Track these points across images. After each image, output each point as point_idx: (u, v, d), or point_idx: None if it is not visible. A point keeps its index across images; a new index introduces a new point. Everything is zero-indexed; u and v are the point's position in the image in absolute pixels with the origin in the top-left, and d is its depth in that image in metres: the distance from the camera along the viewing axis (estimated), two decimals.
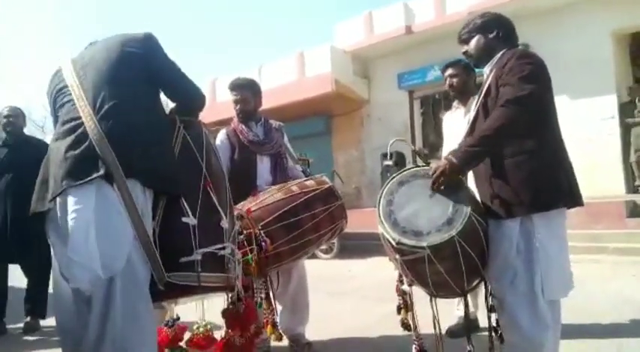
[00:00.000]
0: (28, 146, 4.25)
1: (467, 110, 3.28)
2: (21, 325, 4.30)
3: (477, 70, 2.88)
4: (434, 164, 2.18)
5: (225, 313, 2.09)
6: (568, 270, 2.16)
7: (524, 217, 2.08)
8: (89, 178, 1.67)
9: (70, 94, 1.85)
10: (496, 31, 2.29)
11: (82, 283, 1.66)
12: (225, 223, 1.93)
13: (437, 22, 9.89)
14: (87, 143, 1.72)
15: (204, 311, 2.23)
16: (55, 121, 1.98)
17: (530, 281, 2.06)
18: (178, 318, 2.21)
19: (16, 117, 4.40)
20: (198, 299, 2.15)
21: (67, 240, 1.67)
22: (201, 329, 2.11)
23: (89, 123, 1.73)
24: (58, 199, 1.73)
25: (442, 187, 2.10)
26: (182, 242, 1.79)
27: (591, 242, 6.72)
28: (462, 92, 3.40)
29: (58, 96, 1.93)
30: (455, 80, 3.39)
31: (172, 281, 1.75)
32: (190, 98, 2.16)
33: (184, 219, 1.81)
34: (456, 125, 3.31)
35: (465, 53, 2.41)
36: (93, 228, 1.64)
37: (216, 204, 1.93)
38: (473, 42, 2.34)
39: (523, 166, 2.07)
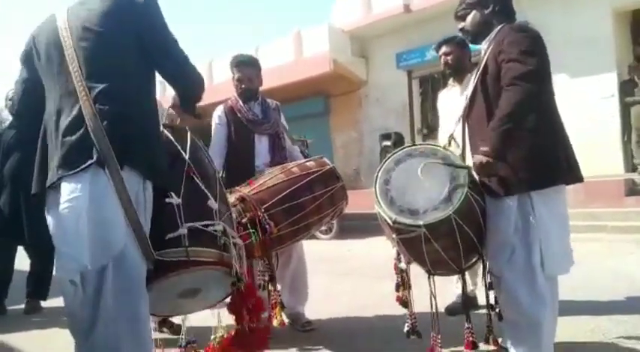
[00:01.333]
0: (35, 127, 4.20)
1: (463, 88, 3.25)
2: (22, 306, 4.33)
3: (473, 46, 2.83)
4: (471, 161, 2.16)
5: (230, 304, 2.07)
6: (568, 247, 2.16)
7: (522, 194, 2.07)
8: (84, 166, 1.64)
9: (66, 62, 1.75)
10: (492, 5, 2.25)
11: (69, 273, 1.64)
12: (213, 204, 1.92)
13: (435, 0, 9.76)
14: (82, 130, 1.67)
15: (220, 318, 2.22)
16: (32, 71, 1.92)
17: (528, 258, 2.06)
18: (194, 341, 2.21)
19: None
20: (207, 304, 2.13)
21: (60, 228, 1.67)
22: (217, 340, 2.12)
23: (86, 104, 1.68)
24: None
25: (440, 165, 2.09)
26: (168, 220, 1.78)
27: (590, 220, 6.76)
28: (458, 69, 3.35)
29: (51, 51, 1.81)
30: (450, 58, 3.33)
31: (162, 258, 1.73)
32: (192, 84, 2.03)
33: (168, 200, 1.80)
34: (452, 103, 3.28)
35: (461, 30, 2.38)
36: (85, 218, 1.61)
37: (202, 186, 1.92)
38: (469, 18, 2.31)
39: (521, 144, 2.05)
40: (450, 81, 3.50)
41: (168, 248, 1.76)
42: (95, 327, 1.62)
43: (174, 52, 1.93)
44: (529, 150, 2.06)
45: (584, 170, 2.20)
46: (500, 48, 2.09)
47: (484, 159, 2.02)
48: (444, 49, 3.37)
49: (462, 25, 2.36)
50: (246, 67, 3.28)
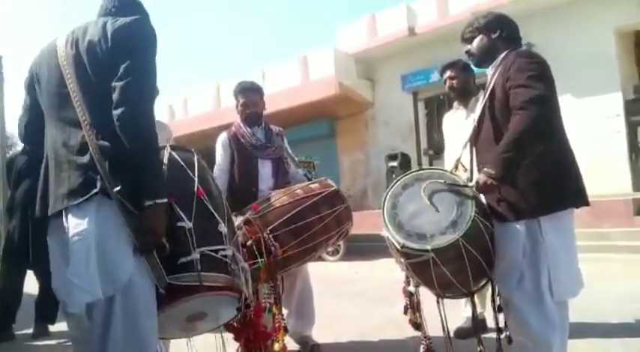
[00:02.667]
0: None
1: (469, 111, 3.28)
2: (30, 331, 4.34)
3: (476, 70, 2.87)
4: (474, 179, 2.16)
5: (236, 330, 2.08)
6: (577, 270, 2.15)
7: (530, 219, 2.08)
8: (89, 195, 1.65)
9: (67, 89, 1.75)
10: (499, 31, 2.29)
11: (80, 305, 1.64)
12: (223, 228, 1.93)
13: (440, 23, 9.91)
14: (87, 159, 1.68)
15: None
16: (34, 96, 1.90)
17: (537, 283, 2.06)
18: None
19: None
20: (213, 325, 2.12)
21: (67, 258, 1.67)
22: None
23: (89, 133, 1.69)
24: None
25: (446, 191, 2.11)
26: (179, 245, 1.79)
27: (599, 240, 6.70)
28: (462, 93, 3.39)
29: (52, 80, 1.81)
30: (454, 82, 3.37)
31: (174, 283, 1.74)
32: (132, 134, 1.67)
33: (180, 224, 1.81)
34: (458, 126, 3.31)
35: (467, 52, 2.40)
36: (94, 249, 1.62)
37: (212, 209, 1.93)
38: (476, 41, 2.34)
39: (531, 170, 2.06)
40: (455, 104, 3.53)
41: (180, 272, 1.77)
42: None
43: (130, 82, 1.67)
44: (538, 175, 2.07)
45: (592, 189, 2.20)
46: (508, 75, 2.11)
47: (488, 180, 2.03)
48: (448, 73, 3.41)
49: (468, 47, 2.38)
50: (250, 93, 3.35)
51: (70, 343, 1.87)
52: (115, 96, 1.66)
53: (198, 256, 1.80)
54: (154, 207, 1.65)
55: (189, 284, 1.77)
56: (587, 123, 8.27)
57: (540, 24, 8.57)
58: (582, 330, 3.03)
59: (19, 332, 4.38)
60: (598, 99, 8.47)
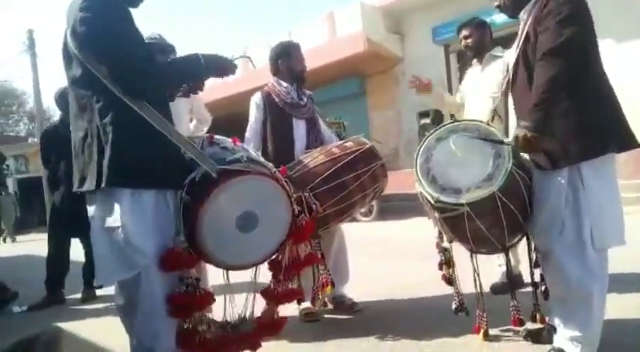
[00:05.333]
0: None
1: (483, 65, 3.38)
2: (79, 295, 4.58)
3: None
4: (511, 134, 2.08)
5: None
6: (620, 218, 2.08)
7: (571, 167, 2.00)
8: (116, 184, 1.75)
9: (79, 66, 1.79)
10: None
11: (107, 282, 1.85)
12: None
13: None
14: (96, 147, 1.77)
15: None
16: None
17: (578, 232, 2.00)
18: None
19: (62, 98, 4.40)
20: (264, 250, 2.09)
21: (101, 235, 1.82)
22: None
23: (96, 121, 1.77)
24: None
25: (483, 140, 2.04)
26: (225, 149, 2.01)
27: None
28: (479, 50, 3.44)
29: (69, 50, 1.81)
30: (470, 40, 3.43)
31: (227, 167, 1.85)
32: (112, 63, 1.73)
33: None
34: (473, 81, 3.46)
35: (498, 6, 2.27)
36: (123, 230, 1.74)
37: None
38: None
39: (569, 115, 1.98)
40: (474, 61, 3.56)
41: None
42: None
43: (80, 28, 1.72)
44: (576, 121, 1.97)
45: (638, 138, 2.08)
46: (540, 16, 2.00)
47: (528, 133, 1.95)
48: (463, 32, 3.48)
49: (497, 2, 2.26)
50: (300, 50, 3.42)
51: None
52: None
53: (244, 154, 1.96)
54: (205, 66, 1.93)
55: (240, 169, 1.87)
56: (627, 69, 7.83)
57: None
58: (621, 282, 2.95)
59: (69, 297, 4.62)
60: (637, 44, 8.00)
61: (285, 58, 3.33)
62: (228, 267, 2.03)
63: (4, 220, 14.60)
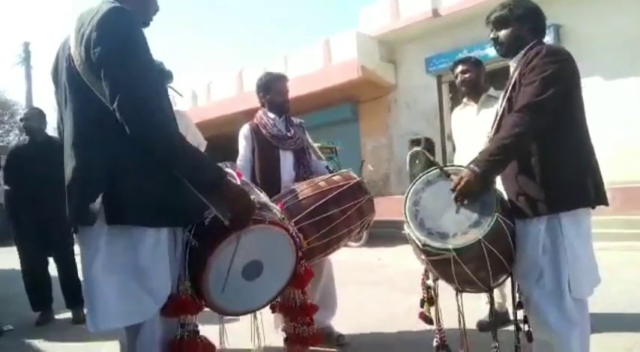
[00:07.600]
0: (51, 145, 4.23)
1: (480, 106, 3.33)
2: (67, 315, 4.52)
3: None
4: (457, 175, 2.14)
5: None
6: (594, 268, 2.15)
7: (550, 216, 2.07)
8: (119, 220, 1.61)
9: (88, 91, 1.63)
10: (532, 23, 2.23)
11: (107, 328, 1.66)
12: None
13: (465, 4, 9.67)
14: (105, 179, 1.62)
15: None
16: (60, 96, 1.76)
17: (557, 280, 2.05)
18: None
19: (30, 120, 4.59)
20: (269, 295, 2.09)
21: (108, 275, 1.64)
22: None
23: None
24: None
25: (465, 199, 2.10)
26: None
27: (627, 228, 6.55)
28: (474, 88, 3.42)
29: (70, 80, 1.68)
30: (467, 76, 3.41)
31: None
32: (143, 125, 1.55)
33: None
34: (469, 122, 3.37)
35: (494, 40, 2.32)
36: (144, 273, 1.63)
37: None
38: (506, 31, 2.26)
39: (549, 164, 2.05)
40: (465, 99, 3.54)
41: None
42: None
43: (113, 72, 1.53)
44: (558, 171, 2.04)
45: (621, 176, 2.16)
46: (525, 71, 2.09)
47: (473, 179, 2.02)
48: (460, 67, 3.45)
49: (496, 34, 2.30)
50: (285, 81, 3.44)
51: None
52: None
53: (255, 198, 1.89)
54: (224, 186, 1.66)
55: (255, 218, 1.80)
56: (618, 107, 8.05)
57: (569, 6, 8.30)
58: (609, 323, 3.00)
59: (60, 317, 4.56)
60: (629, 82, 8.21)
61: (266, 93, 3.41)
62: (227, 313, 2.02)
63: None
